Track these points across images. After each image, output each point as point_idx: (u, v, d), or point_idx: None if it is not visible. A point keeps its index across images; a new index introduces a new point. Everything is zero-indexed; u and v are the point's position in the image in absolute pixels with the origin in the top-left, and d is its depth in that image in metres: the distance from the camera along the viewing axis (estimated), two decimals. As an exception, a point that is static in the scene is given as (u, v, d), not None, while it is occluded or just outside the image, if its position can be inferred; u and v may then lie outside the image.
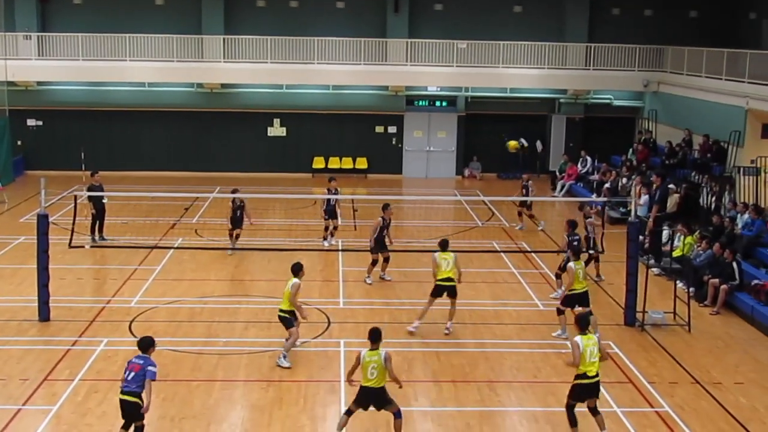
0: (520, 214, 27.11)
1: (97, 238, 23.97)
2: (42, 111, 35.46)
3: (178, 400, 13.92)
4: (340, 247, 23.61)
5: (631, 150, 33.43)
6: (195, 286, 20.34)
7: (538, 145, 36.91)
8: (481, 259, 22.99)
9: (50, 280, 17.58)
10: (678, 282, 19.68)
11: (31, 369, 15.11)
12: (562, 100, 36.76)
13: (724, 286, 19.31)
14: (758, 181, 24.67)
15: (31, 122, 35.49)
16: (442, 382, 14.94)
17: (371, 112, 36.40)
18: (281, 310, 15.41)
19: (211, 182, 33.33)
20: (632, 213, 18.60)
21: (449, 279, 17.07)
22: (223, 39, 34.33)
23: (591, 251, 20.51)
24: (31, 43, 33.78)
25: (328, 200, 23.32)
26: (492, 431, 13.23)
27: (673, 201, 25.21)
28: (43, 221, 17.30)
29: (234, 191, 23.53)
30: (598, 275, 21.17)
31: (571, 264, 16.96)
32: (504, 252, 23.86)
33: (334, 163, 36.53)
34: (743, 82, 26.68)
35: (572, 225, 19.86)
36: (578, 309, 16.51)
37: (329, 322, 17.81)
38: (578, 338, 12.55)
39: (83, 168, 28.33)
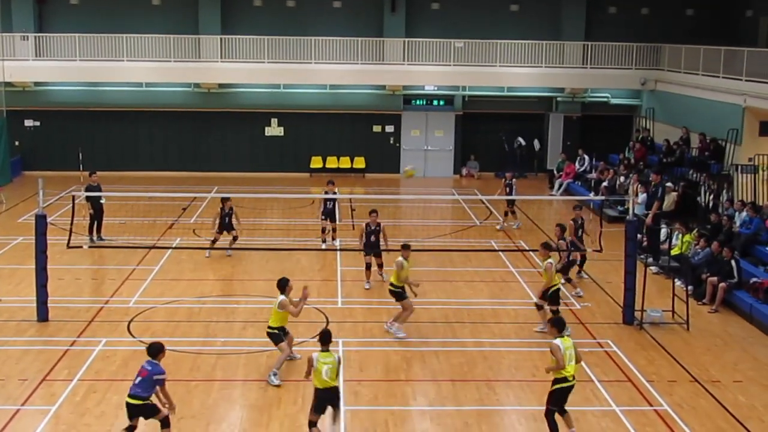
0: (507, 213, 26.91)
1: (95, 238, 23.94)
2: (39, 111, 35.42)
3: (176, 400, 13.80)
4: (338, 247, 23.60)
5: (627, 148, 33.42)
6: (193, 286, 20.33)
7: (536, 143, 36.92)
8: (479, 257, 22.99)
9: (48, 280, 17.56)
10: (676, 280, 19.68)
11: (30, 369, 15.09)
12: (559, 99, 36.75)
13: (722, 284, 19.32)
14: (756, 178, 24.69)
15: (28, 123, 35.45)
16: (441, 381, 14.94)
17: (369, 111, 36.38)
18: (270, 327, 14.87)
19: (209, 182, 33.29)
20: (630, 211, 18.61)
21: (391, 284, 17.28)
22: (220, 39, 34.32)
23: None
24: (29, 43, 33.74)
25: (326, 203, 23.13)
26: (490, 430, 13.23)
27: (670, 199, 25.22)
28: (41, 222, 17.27)
29: (224, 200, 23.18)
30: (578, 273, 21.08)
31: (550, 261, 17.18)
32: (502, 251, 23.86)
33: (331, 162, 36.52)
34: (740, 79, 26.69)
35: (562, 229, 19.98)
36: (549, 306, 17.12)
37: (327, 322, 17.79)
38: (558, 341, 12.44)
39: (81, 168, 28.33)
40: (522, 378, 15.12)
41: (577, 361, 12.58)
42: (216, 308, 18.72)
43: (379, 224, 20.24)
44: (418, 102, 36.85)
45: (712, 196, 25.12)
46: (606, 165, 31.57)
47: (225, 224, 22.86)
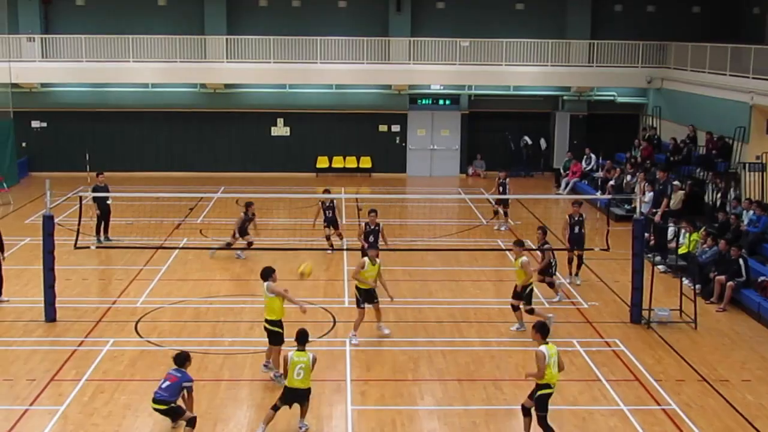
0: (496, 213, 26.74)
1: (102, 238, 23.99)
2: (46, 112, 35.51)
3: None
4: (344, 247, 23.59)
5: (634, 147, 33.35)
6: (200, 286, 20.35)
7: (542, 142, 36.90)
8: (485, 257, 22.98)
9: (56, 281, 17.60)
10: (684, 279, 19.65)
11: (38, 369, 15.13)
12: (565, 98, 36.71)
13: (730, 283, 19.27)
14: (764, 177, 24.61)
15: (35, 124, 35.53)
16: (448, 380, 14.93)
17: (374, 111, 36.39)
18: (269, 321, 14.43)
19: (215, 182, 33.34)
20: (637, 210, 18.58)
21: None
22: (226, 39, 34.35)
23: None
24: (35, 44, 33.82)
25: (326, 212, 22.91)
26: (498, 430, 13.21)
27: (677, 198, 25.16)
28: (48, 222, 17.31)
29: (248, 205, 23.13)
30: (576, 274, 20.89)
31: (525, 258, 17.17)
32: (508, 250, 23.76)
33: (337, 162, 36.53)
34: (748, 77, 26.63)
35: (544, 232, 19.88)
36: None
37: (334, 322, 17.80)
38: (543, 348, 12.24)
39: (88, 169, 28.39)
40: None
41: (560, 369, 12.44)
42: (223, 308, 18.74)
43: (378, 224, 20.01)
44: (423, 101, 36.84)
45: (719, 195, 25.05)
46: (613, 164, 31.53)
47: (244, 229, 22.85)
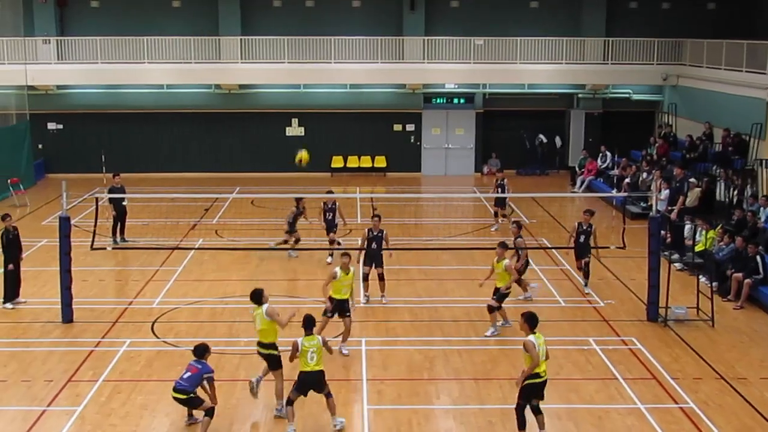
0: (496, 214, 26.41)
1: (118, 239, 24.09)
2: (62, 114, 35.69)
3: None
4: (359, 245, 23.56)
5: (650, 144, 33.19)
6: (216, 286, 20.41)
7: (557, 140, 36.82)
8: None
9: (73, 282, 17.68)
10: (701, 277, 19.55)
11: (55, 370, 15.21)
12: (580, 95, 36.61)
13: (747, 281, 19.16)
14: (780, 173, 24.49)
15: (51, 126, 35.73)
16: (464, 379, 14.91)
17: (389, 110, 36.39)
18: (263, 345, 13.50)
19: (230, 183, 33.43)
20: (653, 208, 18.50)
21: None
22: (240, 40, 34.41)
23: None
24: (50, 47, 34.01)
25: (325, 214, 22.21)
26: (514, 429, 13.15)
27: (694, 195, 25.04)
28: (64, 224, 17.39)
29: (298, 200, 23.08)
30: (585, 284, 20.21)
31: (508, 261, 16.98)
32: (524, 249, 23.72)
33: (352, 162, 36.56)
34: (764, 73, 26.43)
35: (519, 227, 19.71)
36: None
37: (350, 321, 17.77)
38: (532, 338, 12.34)
39: (104, 170, 28.49)
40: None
41: (546, 358, 12.56)
42: (239, 308, 18.76)
43: (381, 231, 19.07)
44: (438, 100, 36.81)
45: (736, 192, 24.91)
46: (628, 161, 31.42)
47: (294, 224, 22.78)
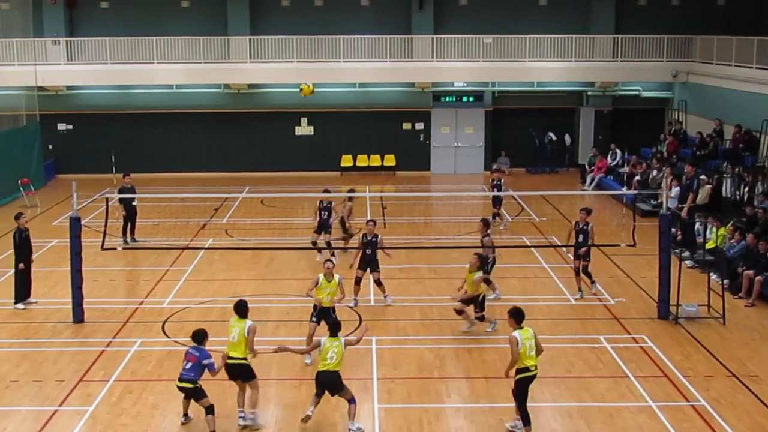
0: (494, 216, 25.85)
1: (128, 239, 24.15)
2: (72, 115, 35.80)
3: (211, 399, 13.94)
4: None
5: (660, 142, 33.09)
6: (226, 285, 20.44)
7: (567, 138, 36.76)
8: (510, 254, 22.88)
9: (83, 282, 17.74)
10: (712, 274, 19.49)
11: (67, 370, 15.26)
12: (589, 93, 36.53)
13: (758, 278, 19.08)
14: (791, 170, 24.38)
15: (61, 126, 35.85)
16: (474, 378, 14.91)
17: (398, 109, 36.38)
18: (234, 358, 13.09)
19: (240, 182, 33.48)
20: (663, 205, 18.45)
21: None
22: (249, 39, 34.46)
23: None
24: (60, 48, 34.12)
25: (321, 213, 21.98)
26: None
27: (704, 192, 24.96)
28: (75, 224, 17.44)
29: (350, 190, 23.20)
30: (592, 282, 19.80)
31: (480, 274, 16.85)
32: (534, 247, 23.74)
33: (361, 161, 36.56)
34: (774, 70, 26.37)
35: (486, 224, 19.54)
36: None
37: (360, 320, 17.81)
38: (516, 333, 12.49)
39: (114, 171, 28.54)
40: (556, 374, 15.03)
41: (539, 352, 12.66)
42: (250, 308, 18.75)
43: (376, 235, 18.87)
44: (447, 99, 36.79)
45: (747, 189, 24.81)
46: (638, 159, 31.35)
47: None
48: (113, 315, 18.18)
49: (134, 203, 24.17)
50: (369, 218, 19.50)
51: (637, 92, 36.43)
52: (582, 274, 19.41)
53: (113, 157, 30.54)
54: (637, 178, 29.40)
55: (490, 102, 36.66)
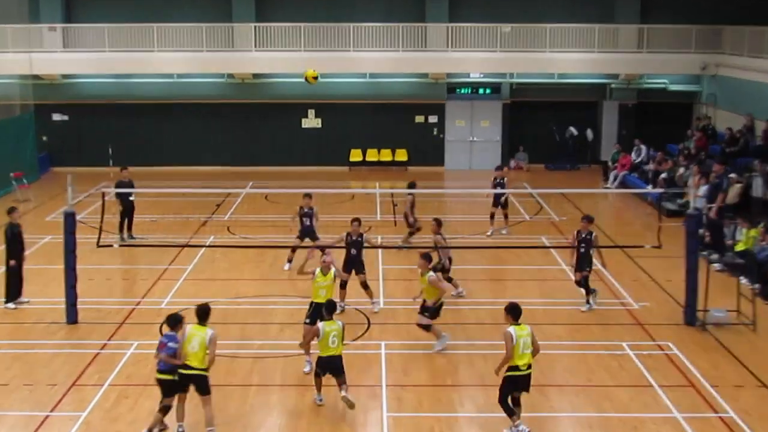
0: (493, 216, 25.22)
1: (125, 236, 24.15)
2: (68, 105, 35.87)
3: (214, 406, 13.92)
4: (379, 243, 23.54)
5: (687, 137, 32.92)
6: (228, 286, 20.42)
7: (589, 133, 36.64)
8: (529, 255, 22.81)
9: (78, 280, 17.73)
10: (741, 278, 19.35)
11: (59, 374, 15.24)
12: (613, 86, 36.40)
13: (791, 282, 18.97)
14: (827, 169, 24.19)
15: (56, 117, 35.92)
16: (490, 386, 14.78)
17: (410, 101, 36.33)
18: (192, 368, 12.62)
19: (243, 177, 33.47)
20: (690, 205, 18.32)
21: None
22: (255, 27, 34.43)
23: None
24: (56, 34, 34.17)
25: (303, 220, 21.53)
26: (544, 438, 13.11)
27: (734, 192, 24.79)
28: (70, 220, 17.43)
29: (411, 184, 23.41)
30: (587, 301, 19.08)
31: (432, 275, 16.10)
32: (554, 248, 23.63)
33: (371, 155, 36.52)
34: (809, 62, 26.20)
35: (438, 224, 19.17)
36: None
37: (369, 324, 17.76)
38: (511, 329, 12.67)
39: (111, 164, 28.61)
40: (576, 383, 14.95)
41: (535, 351, 12.79)
42: (252, 309, 18.77)
43: (361, 235, 18.57)
44: (462, 91, 36.71)
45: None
46: (664, 155, 31.18)
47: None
48: (109, 316, 18.17)
49: (132, 198, 24.16)
50: (354, 218, 18.95)
51: (663, 85, 36.28)
52: (581, 287, 18.86)
53: (110, 150, 30.62)
54: (663, 175, 29.27)
55: (508, 94, 36.56)
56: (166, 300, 19.32)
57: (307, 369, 15.17)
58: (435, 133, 36.73)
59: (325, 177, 33.96)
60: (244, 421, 13.57)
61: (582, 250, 18.76)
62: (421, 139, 36.59)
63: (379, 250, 22.96)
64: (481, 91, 36.75)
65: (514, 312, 12.88)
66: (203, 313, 13.01)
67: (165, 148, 36.08)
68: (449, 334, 16.55)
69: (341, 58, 34.13)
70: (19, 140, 32.42)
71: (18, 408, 14.01)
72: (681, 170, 28.82)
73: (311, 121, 36.51)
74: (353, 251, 18.50)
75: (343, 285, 18.38)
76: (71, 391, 14.57)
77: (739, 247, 21.31)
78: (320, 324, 13.49)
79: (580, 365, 15.71)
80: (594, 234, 18.93)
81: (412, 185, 23.47)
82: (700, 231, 20.16)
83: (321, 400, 13.92)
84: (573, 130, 36.47)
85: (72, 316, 17.65)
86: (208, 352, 12.62)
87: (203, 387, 12.76)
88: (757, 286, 19.35)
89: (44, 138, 35.37)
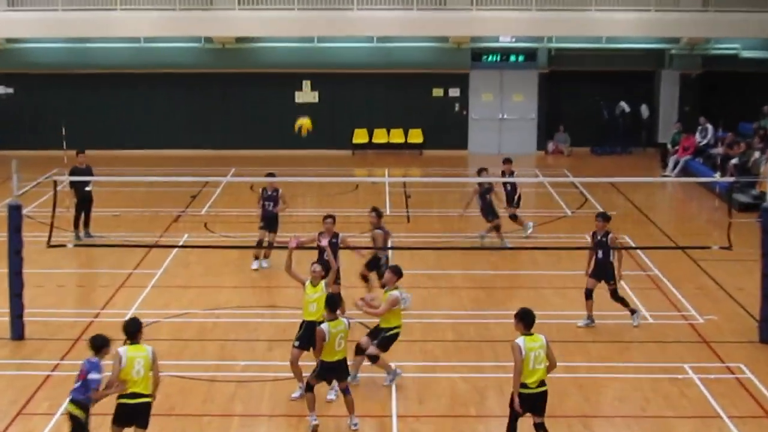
0: (514, 217, 24.92)
1: (82, 234, 24.20)
2: (12, 75, 35.97)
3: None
4: (389, 244, 23.49)
5: (763, 115, 32.88)
6: (205, 294, 20.44)
7: (644, 110, 36.62)
8: (571, 257, 22.71)
9: (24, 288, 17.74)
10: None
11: (1, 400, 15.25)
12: (673, 52, 36.40)
13: None
14: None
15: (-1, 90, 36.07)
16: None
17: (427, 70, 36.37)
18: (140, 396, 12.49)
19: (224, 163, 33.54)
20: (767, 196, 18.27)
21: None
22: (238, -20, 34.49)
23: None
24: (-2, -10, 34.28)
25: (265, 204, 21.87)
26: (587, 480, 13.12)
27: (820, 181, 24.79)
28: (14, 214, 17.43)
29: (481, 169, 23.55)
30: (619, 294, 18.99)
31: (396, 294, 15.63)
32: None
33: (380, 136, 36.57)
34: None
35: (378, 215, 19.08)
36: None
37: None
38: (520, 340, 12.68)
39: (65, 146, 28.64)
40: (628, 413, 14.93)
41: (551, 366, 12.80)
42: (234, 323, 18.79)
43: (337, 235, 18.11)
44: (490, 58, 36.75)
45: None
46: (735, 137, 31.14)
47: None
48: (62, 330, 18.18)
49: (89, 188, 24.18)
50: (326, 214, 18.35)
51: (734, 51, 36.22)
52: (616, 302, 18.63)
53: (64, 130, 30.66)
54: (734, 161, 29.24)
55: (546, 62, 36.57)
56: (131, 311, 19.30)
57: (296, 395, 15.19)
58: (457, 109, 36.76)
59: (323, 163, 33.98)
60: (225, 458, 13.62)
61: (600, 255, 18.59)
62: (440, 117, 36.62)
63: (389, 252, 22.93)
64: (512, 58, 36.78)
65: (526, 319, 12.91)
66: (135, 329, 12.83)
67: (130, 128, 36.18)
68: (402, 371, 16.02)
69: (343, 19, 34.14)
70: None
71: (-49, 442, 14.07)
72: (756, 155, 28.79)
73: (306, 95, 36.55)
74: (325, 256, 17.28)
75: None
76: (16, 421, 14.56)
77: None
78: (325, 326, 13.60)
79: (633, 392, 15.69)
80: (611, 235, 18.72)
81: (482, 170, 23.54)
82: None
83: (316, 420, 13.81)
84: (624, 106, 36.45)
85: (17, 331, 17.65)
86: (152, 373, 12.52)
87: (147, 418, 12.58)
88: None
89: (-17, 115, 35.58)
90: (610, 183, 30.00)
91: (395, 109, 36.53)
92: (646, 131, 36.96)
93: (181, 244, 24.15)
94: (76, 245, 23.24)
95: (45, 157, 31.94)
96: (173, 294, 20.47)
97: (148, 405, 12.53)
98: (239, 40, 35.81)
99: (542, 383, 12.69)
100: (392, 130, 36.67)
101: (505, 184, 24.77)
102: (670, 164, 33.27)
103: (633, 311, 18.70)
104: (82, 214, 24.26)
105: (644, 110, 36.67)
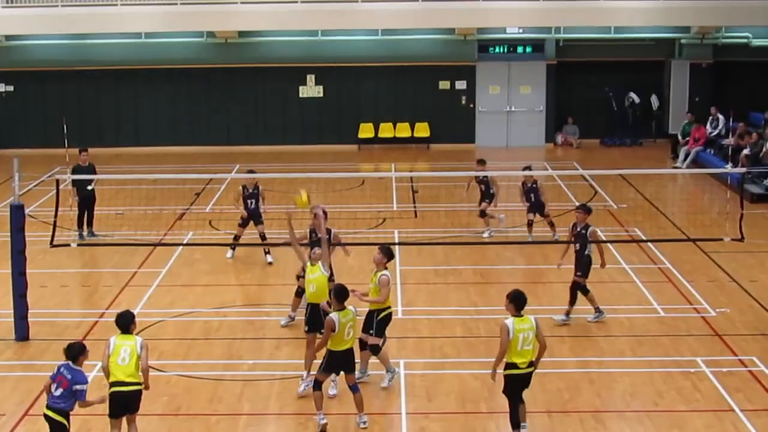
0: (530, 223, 24.39)
1: (85, 233, 24.24)
2: (12, 73, 36.02)
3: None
4: (396, 240, 23.58)
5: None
6: (211, 293, 20.49)
7: (654, 100, 36.56)
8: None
9: (28, 288, 17.79)
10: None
11: (8, 402, 15.31)
12: (684, 41, 36.34)
13: None
14: None
15: (-1, 88, 36.14)
16: (535, 412, 14.83)
17: (433, 63, 36.34)
18: (127, 384, 12.85)
19: (228, 159, 33.57)
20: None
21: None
22: (240, -27, 34.51)
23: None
24: (-3, -14, 34.32)
25: (246, 203, 21.98)
26: (600, 476, 13.17)
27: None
28: (17, 213, 17.47)
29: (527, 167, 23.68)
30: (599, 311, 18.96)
31: (386, 275, 15.66)
32: (611, 242, 23.59)
33: (385, 131, 36.55)
34: None
35: (324, 212, 18.68)
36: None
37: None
38: (509, 321, 13.01)
39: (66, 144, 28.65)
40: (640, 407, 14.95)
41: (542, 348, 13.15)
42: (241, 321, 18.84)
43: (329, 230, 17.74)
44: (497, 49, 36.70)
45: None
46: (747, 127, 31.11)
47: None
48: (66, 331, 18.22)
49: (92, 187, 24.23)
50: (313, 205, 17.79)
51: (746, 40, 36.15)
52: (574, 293, 18.60)
53: (66, 128, 30.65)
54: (746, 152, 29.20)
55: (554, 53, 36.54)
56: (135, 311, 19.18)
57: (301, 389, 15.26)
58: (463, 102, 36.74)
59: (328, 158, 34.00)
60: (234, 457, 13.69)
61: (577, 247, 18.56)
62: (447, 110, 36.61)
63: (396, 248, 22.98)
64: (520, 49, 36.73)
65: (517, 301, 13.19)
66: (126, 321, 13.09)
67: (132, 124, 36.23)
68: (399, 372, 16.01)
69: (347, 11, 34.09)
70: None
71: (-43, 444, 14.15)
72: (768, 145, 28.79)
73: (311, 89, 36.57)
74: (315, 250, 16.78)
75: (299, 293, 17.90)
76: (23, 422, 14.65)
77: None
78: (335, 315, 13.65)
79: (645, 386, 15.71)
80: (591, 228, 18.66)
81: (527, 168, 23.89)
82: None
83: (324, 419, 13.81)
84: (634, 96, 36.41)
85: (22, 332, 17.70)
86: (140, 360, 12.75)
87: (136, 404, 12.92)
88: None
89: (-16, 113, 35.66)
90: (620, 175, 29.97)
91: (401, 102, 36.54)
92: (656, 122, 36.92)
93: (185, 242, 24.22)
94: (79, 245, 23.25)
95: (46, 156, 32.00)
96: (178, 293, 20.53)
97: (137, 393, 12.86)
98: (242, 34, 35.84)
99: (530, 364, 13.10)
100: (398, 125, 36.65)
101: (526, 192, 24.67)
102: (681, 155, 33.24)
103: (597, 310, 18.59)
104: (85, 213, 24.26)
105: (654, 101, 36.64)
